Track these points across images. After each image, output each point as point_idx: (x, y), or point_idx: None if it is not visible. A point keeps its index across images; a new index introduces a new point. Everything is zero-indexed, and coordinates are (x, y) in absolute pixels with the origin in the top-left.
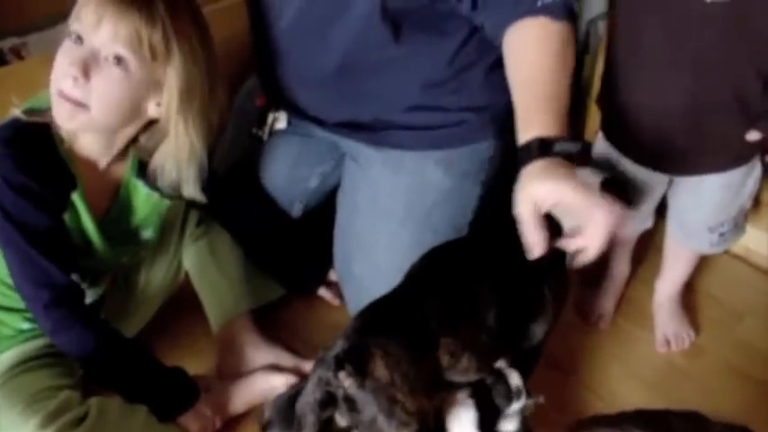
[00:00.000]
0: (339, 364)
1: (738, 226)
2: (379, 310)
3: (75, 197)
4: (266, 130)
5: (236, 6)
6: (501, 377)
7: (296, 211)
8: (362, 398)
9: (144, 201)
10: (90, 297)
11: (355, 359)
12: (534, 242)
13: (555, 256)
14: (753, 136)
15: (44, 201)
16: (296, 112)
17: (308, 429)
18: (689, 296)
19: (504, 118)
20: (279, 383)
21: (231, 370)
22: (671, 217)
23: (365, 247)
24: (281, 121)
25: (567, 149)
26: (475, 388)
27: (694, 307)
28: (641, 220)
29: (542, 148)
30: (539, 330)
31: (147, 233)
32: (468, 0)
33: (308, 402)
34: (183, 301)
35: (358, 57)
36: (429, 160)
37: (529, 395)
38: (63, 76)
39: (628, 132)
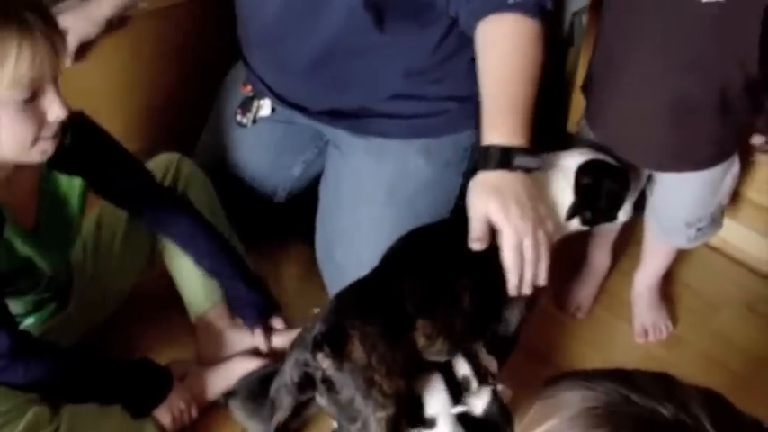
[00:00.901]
0: (317, 345)
1: (716, 221)
2: (356, 292)
3: (6, 228)
4: (250, 117)
5: None
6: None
7: (279, 197)
8: (341, 379)
9: (68, 188)
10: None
11: (333, 341)
12: (476, 241)
13: None
14: (756, 140)
15: None
16: (280, 99)
17: (284, 410)
18: (667, 287)
19: None
20: (256, 368)
21: (210, 356)
22: (649, 212)
23: (347, 233)
24: (265, 108)
25: (526, 165)
26: (444, 368)
27: (672, 298)
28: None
29: (503, 158)
30: (512, 317)
31: (76, 216)
32: None
33: (284, 384)
34: (159, 289)
35: (342, 45)
36: (411, 148)
37: (486, 379)
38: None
39: (611, 126)
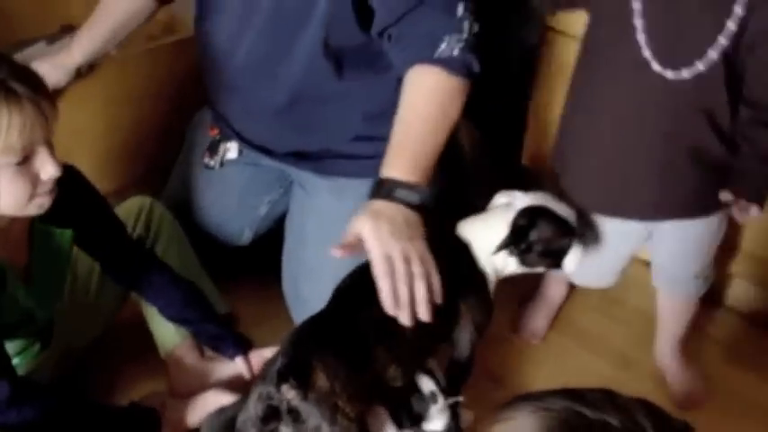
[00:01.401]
0: (282, 377)
1: (713, 266)
2: (314, 326)
3: (8, 283)
4: (218, 159)
5: (185, 42)
6: (415, 386)
7: (245, 238)
8: (306, 409)
9: (59, 240)
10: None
11: (298, 372)
12: (338, 249)
13: (476, 280)
14: (725, 197)
15: None
16: (246, 142)
17: None
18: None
19: None
20: (230, 401)
21: (182, 390)
22: (656, 273)
23: (312, 271)
24: (232, 150)
25: (406, 198)
26: (390, 400)
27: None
28: (599, 274)
29: (387, 190)
30: (463, 340)
31: (66, 266)
32: (386, 34)
33: (249, 418)
34: (133, 320)
35: (304, 91)
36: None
37: (449, 394)
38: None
39: (595, 189)
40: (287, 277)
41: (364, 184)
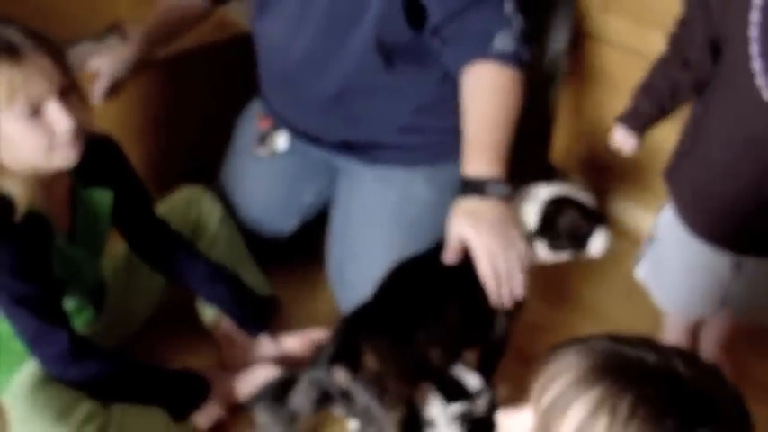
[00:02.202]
0: (334, 360)
1: None
2: (362, 314)
3: (56, 237)
4: (268, 150)
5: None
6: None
7: (291, 226)
8: (356, 389)
9: (99, 201)
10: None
11: (348, 356)
12: (449, 256)
13: None
14: None
15: (35, 273)
16: (296, 133)
17: (302, 421)
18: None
19: None
20: (277, 376)
21: (235, 362)
22: (736, 306)
23: (357, 254)
24: (282, 141)
25: (498, 192)
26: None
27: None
28: (700, 305)
29: (477, 187)
30: (499, 325)
31: (106, 228)
32: (437, 38)
33: (301, 401)
34: (173, 304)
35: (354, 84)
36: (415, 175)
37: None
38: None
39: (697, 210)
40: (332, 261)
41: (409, 174)
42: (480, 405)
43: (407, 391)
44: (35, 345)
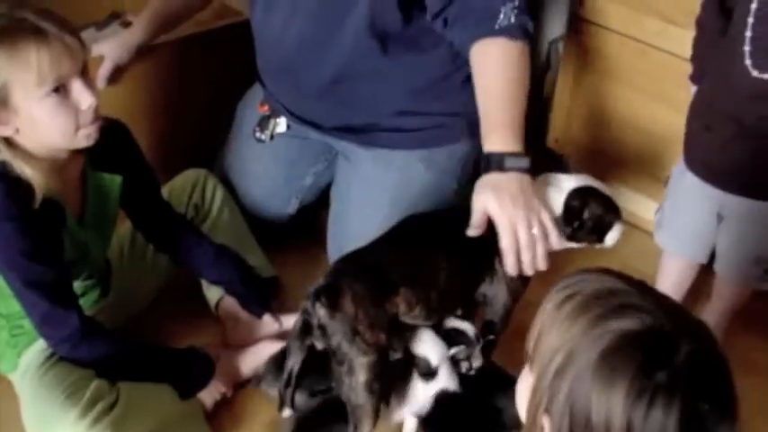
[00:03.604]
0: (317, 296)
1: None
2: (354, 257)
3: (67, 217)
4: (268, 133)
5: (233, 27)
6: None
7: (291, 207)
8: (332, 326)
9: (109, 184)
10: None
11: (329, 294)
12: (473, 228)
13: None
14: None
15: (48, 256)
16: (295, 117)
17: (295, 355)
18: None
19: (476, 122)
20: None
21: (238, 340)
22: (718, 256)
23: (357, 234)
24: (281, 125)
25: (518, 165)
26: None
27: None
28: (689, 246)
29: (497, 162)
30: (497, 304)
31: (114, 211)
32: (440, 19)
33: (293, 331)
34: (177, 286)
35: (350, 69)
36: (413, 158)
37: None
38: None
39: (698, 150)
40: (332, 241)
41: (408, 156)
42: (477, 352)
43: (379, 338)
44: (45, 325)
